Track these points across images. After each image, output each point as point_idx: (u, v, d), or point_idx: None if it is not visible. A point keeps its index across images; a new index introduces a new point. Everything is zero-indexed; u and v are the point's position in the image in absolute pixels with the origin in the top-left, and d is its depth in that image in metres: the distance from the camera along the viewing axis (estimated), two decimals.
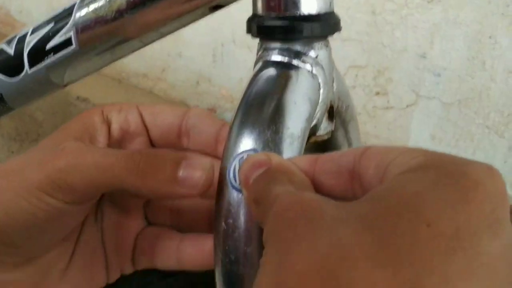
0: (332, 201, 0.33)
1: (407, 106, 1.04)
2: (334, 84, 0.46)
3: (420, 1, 1.01)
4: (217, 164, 0.40)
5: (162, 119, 0.46)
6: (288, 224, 0.31)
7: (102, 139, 0.45)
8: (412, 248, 0.28)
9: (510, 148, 0.92)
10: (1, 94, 0.58)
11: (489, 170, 0.31)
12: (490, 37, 0.94)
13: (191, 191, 0.40)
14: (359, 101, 1.08)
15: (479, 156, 0.99)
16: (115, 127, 0.46)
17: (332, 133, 0.49)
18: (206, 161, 0.41)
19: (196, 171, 0.41)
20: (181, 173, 0.40)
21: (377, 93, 1.07)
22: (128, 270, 0.48)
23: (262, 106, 0.41)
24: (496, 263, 0.28)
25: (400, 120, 1.05)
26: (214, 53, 1.30)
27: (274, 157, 0.37)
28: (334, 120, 0.48)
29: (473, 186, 0.29)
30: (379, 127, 1.05)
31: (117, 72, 1.42)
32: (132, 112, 0.46)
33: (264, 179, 0.35)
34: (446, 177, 0.30)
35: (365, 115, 1.08)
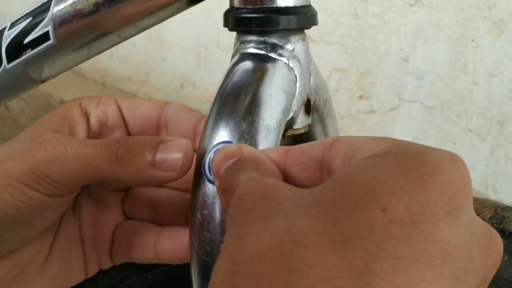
0: (293, 187, 0.33)
1: (390, 109, 1.04)
2: (311, 78, 0.46)
3: (403, 4, 1.02)
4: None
5: (140, 112, 0.46)
6: (246, 208, 0.32)
7: (81, 131, 0.45)
8: (366, 232, 0.28)
9: (492, 152, 0.92)
10: None
11: (450, 157, 0.31)
12: (472, 40, 0.95)
13: (171, 174, 0.40)
14: (343, 105, 1.08)
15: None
16: (93, 120, 0.46)
17: (310, 127, 0.48)
18: (183, 141, 0.41)
19: (173, 152, 0.40)
20: (158, 156, 0.40)
21: (360, 97, 1.07)
22: (106, 264, 0.48)
23: (238, 97, 0.41)
24: (453, 251, 0.28)
25: (383, 124, 1.05)
26: (198, 57, 1.30)
27: (246, 148, 0.37)
28: (312, 114, 0.48)
29: (431, 172, 0.29)
30: (362, 130, 1.06)
31: (101, 76, 1.42)
32: (110, 104, 0.46)
33: (233, 168, 0.35)
34: (405, 163, 0.30)
35: (349, 118, 1.08)
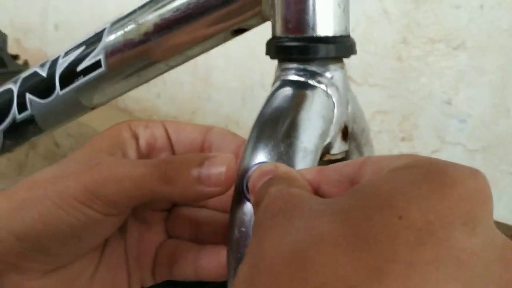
0: (318, 197, 0.34)
1: (432, 152, 1.04)
2: (349, 106, 0.46)
3: (445, 48, 1.02)
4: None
5: (185, 135, 0.47)
6: (270, 214, 0.33)
7: (132, 153, 0.46)
8: (382, 237, 0.28)
9: None
10: (33, 116, 0.59)
11: (471, 172, 0.31)
12: None
13: (215, 189, 0.41)
14: (385, 147, 1.08)
15: (504, 203, 0.98)
16: (142, 142, 0.47)
17: (347, 154, 0.49)
18: (226, 156, 0.42)
19: (217, 167, 0.41)
20: (203, 171, 0.41)
21: (403, 139, 1.07)
22: (149, 282, 0.49)
23: (277, 121, 0.41)
24: (469, 259, 0.28)
25: None
26: (243, 97, 1.31)
27: (281, 167, 0.38)
28: (349, 141, 0.48)
29: (451, 183, 0.30)
30: None
31: (148, 115, 1.45)
32: (158, 128, 0.47)
33: (267, 184, 0.36)
34: (426, 174, 0.30)
35: None
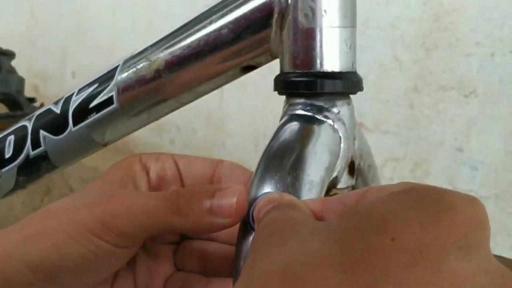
0: (316, 221, 0.35)
1: None
2: (356, 142, 0.47)
3: (457, 95, 1.03)
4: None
5: (196, 169, 0.48)
6: (267, 234, 0.33)
7: (143, 185, 0.47)
8: (374, 258, 0.28)
9: None
10: (46, 152, 0.59)
11: (469, 199, 0.31)
12: None
13: (227, 221, 0.41)
14: None
15: None
16: (153, 174, 0.48)
17: (353, 189, 0.48)
18: (237, 187, 0.42)
19: (228, 198, 0.41)
20: (215, 203, 0.41)
21: None
22: None
23: (284, 154, 0.42)
24: (462, 284, 0.29)
25: None
26: (256, 143, 1.32)
27: (286, 196, 0.39)
28: (355, 176, 0.49)
29: (446, 208, 0.30)
30: None
31: None
32: (168, 161, 0.48)
33: (270, 210, 0.37)
34: (421, 199, 0.31)
35: None
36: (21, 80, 1.14)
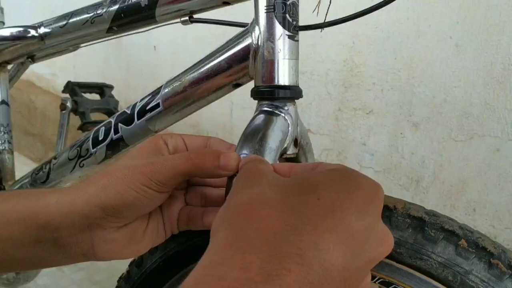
0: (276, 174, 0.39)
1: None
2: (298, 127, 0.58)
3: (362, 113, 1.29)
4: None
5: (196, 142, 0.53)
6: (242, 181, 0.38)
7: (165, 153, 0.51)
8: (303, 208, 0.32)
9: None
10: (122, 136, 0.72)
11: (374, 183, 0.35)
12: None
13: (227, 172, 0.46)
14: None
15: None
16: (170, 146, 0.52)
17: (297, 156, 0.60)
18: (234, 154, 0.47)
19: (230, 160, 0.45)
20: (221, 162, 0.45)
21: None
22: (175, 231, 0.55)
23: (255, 132, 0.51)
24: (355, 233, 0.32)
25: None
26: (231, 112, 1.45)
27: (257, 156, 0.47)
28: (298, 148, 0.59)
29: (356, 186, 0.34)
30: None
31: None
32: (178, 138, 0.52)
33: (247, 162, 0.43)
34: (343, 176, 0.35)
35: None
36: (116, 102, 1.27)
